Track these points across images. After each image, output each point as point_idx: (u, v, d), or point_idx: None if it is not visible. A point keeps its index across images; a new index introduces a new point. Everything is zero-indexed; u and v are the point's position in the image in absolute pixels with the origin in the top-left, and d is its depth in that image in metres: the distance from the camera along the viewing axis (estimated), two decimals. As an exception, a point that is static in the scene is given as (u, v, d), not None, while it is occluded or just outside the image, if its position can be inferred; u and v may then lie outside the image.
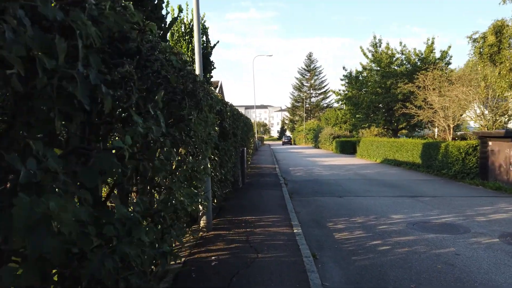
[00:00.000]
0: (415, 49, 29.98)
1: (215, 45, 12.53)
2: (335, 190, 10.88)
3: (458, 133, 26.32)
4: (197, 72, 5.70)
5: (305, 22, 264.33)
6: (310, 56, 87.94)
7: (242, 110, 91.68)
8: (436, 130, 32.24)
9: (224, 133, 6.46)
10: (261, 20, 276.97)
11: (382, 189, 11.08)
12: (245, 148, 11.59)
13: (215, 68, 12.40)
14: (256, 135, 44.77)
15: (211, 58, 12.45)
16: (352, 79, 32.61)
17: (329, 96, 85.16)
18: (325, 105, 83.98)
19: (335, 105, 75.40)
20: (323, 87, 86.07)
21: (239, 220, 6.34)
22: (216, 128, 5.85)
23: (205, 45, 12.26)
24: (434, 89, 23.02)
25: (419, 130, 35.05)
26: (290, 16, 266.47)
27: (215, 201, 6.44)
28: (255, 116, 47.30)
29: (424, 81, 23.60)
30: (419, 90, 24.04)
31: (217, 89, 41.74)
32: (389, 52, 30.34)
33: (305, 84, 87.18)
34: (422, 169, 16.20)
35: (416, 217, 7.29)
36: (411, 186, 11.72)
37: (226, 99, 13.29)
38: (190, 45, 11.72)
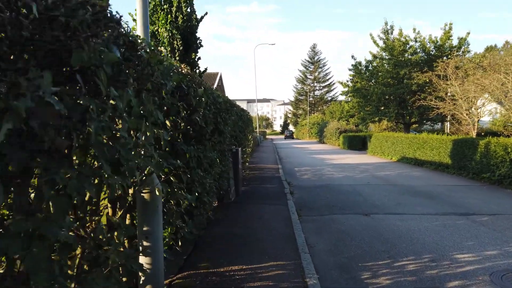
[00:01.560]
0: (430, 35, 27.23)
1: (202, 17, 9.96)
2: (357, 203, 8.38)
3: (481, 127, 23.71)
4: (138, 21, 3.17)
5: (307, 15, 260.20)
6: (314, 47, 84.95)
7: (244, 104, 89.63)
8: (447, 124, 29.60)
9: (196, 131, 3.96)
10: (262, 13, 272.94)
11: (417, 201, 8.57)
12: (240, 148, 9.09)
13: (202, 46, 9.82)
14: (258, 130, 42.26)
15: (198, 35, 9.86)
16: (361, 69, 29.93)
17: (333, 89, 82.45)
18: (329, 98, 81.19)
19: (340, 98, 73.06)
20: (328, 79, 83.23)
21: (219, 277, 3.85)
22: (166, 124, 3.40)
23: (189, 17, 9.67)
24: (456, 78, 20.44)
25: (432, 125, 32.47)
26: (291, 9, 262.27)
27: (180, 243, 3.96)
28: (257, 110, 44.74)
29: (445, 69, 20.97)
30: (439, 79, 21.43)
31: (216, 81, 39.07)
32: (402, 39, 27.61)
33: (308, 76, 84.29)
34: (452, 171, 13.66)
35: (494, 257, 4.79)
36: (452, 196, 9.20)
37: (227, 94, 10.90)
38: (169, 17, 9.11)
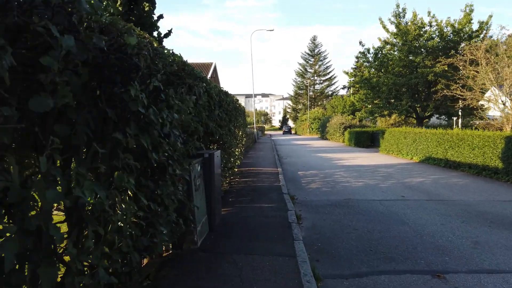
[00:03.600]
0: (448, 18, 23.88)
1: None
2: (408, 242, 5.12)
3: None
4: None
5: (306, 9, 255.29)
6: (314, 39, 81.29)
7: (242, 99, 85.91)
8: (459, 119, 26.35)
9: None
10: (261, 7, 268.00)
11: (503, 237, 5.32)
12: (220, 151, 5.81)
13: (159, 15, 6.41)
14: (255, 125, 39.02)
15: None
16: (369, 57, 26.59)
17: (334, 83, 79.06)
18: (330, 92, 77.78)
19: (342, 92, 69.74)
20: (328, 73, 79.67)
21: None
22: None
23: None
24: (488, 63, 17.23)
25: (446, 119, 29.28)
26: (290, 3, 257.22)
27: None
28: (254, 103, 41.39)
29: (475, 53, 17.72)
30: (467, 65, 18.18)
31: (210, 71, 35.73)
32: (417, 22, 24.33)
33: (308, 70, 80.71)
34: (505, 177, 10.43)
35: None
36: (547, 225, 5.97)
37: (223, 87, 7.78)
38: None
